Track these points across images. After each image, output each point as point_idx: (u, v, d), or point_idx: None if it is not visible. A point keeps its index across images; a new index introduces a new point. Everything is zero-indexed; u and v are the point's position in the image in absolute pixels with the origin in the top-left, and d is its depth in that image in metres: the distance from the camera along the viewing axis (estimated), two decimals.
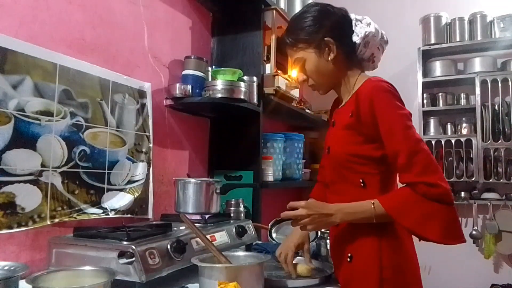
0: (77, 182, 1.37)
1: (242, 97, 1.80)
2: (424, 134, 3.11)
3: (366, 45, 1.17)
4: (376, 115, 1.06)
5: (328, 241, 1.70)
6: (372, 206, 1.03)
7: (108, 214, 1.47)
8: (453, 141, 3.02)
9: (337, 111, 1.24)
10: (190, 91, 1.79)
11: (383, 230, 1.08)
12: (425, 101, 3.14)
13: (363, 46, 1.17)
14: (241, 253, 1.27)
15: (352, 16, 1.18)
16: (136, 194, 1.61)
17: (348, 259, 1.13)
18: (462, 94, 3.12)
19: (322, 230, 1.80)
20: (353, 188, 1.12)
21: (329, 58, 1.16)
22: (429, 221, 0.98)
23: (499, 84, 2.90)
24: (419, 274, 1.15)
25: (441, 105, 3.15)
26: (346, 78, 1.20)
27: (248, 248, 1.62)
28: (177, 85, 1.77)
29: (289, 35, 1.21)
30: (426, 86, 3.15)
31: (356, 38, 1.15)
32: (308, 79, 1.22)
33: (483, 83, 2.93)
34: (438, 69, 3.14)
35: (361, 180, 1.11)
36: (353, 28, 1.16)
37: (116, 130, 1.55)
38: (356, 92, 1.12)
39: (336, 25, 1.16)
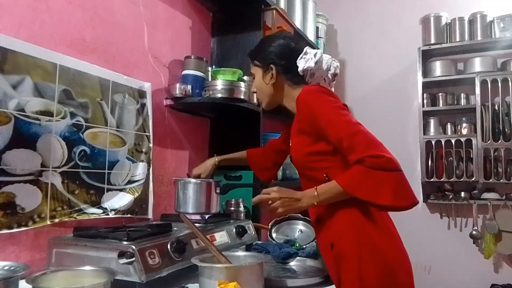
0: (77, 182, 1.37)
1: (242, 97, 1.80)
2: (424, 134, 3.11)
3: (311, 76, 1.34)
4: (315, 114, 1.19)
5: None
6: (315, 192, 1.15)
7: (108, 214, 1.48)
8: (453, 141, 3.02)
9: (292, 125, 1.37)
10: (190, 91, 1.79)
11: (359, 214, 1.17)
12: (425, 101, 3.13)
13: (309, 76, 1.34)
14: (241, 253, 1.27)
15: (305, 50, 1.33)
16: (136, 194, 1.61)
17: (331, 247, 1.21)
18: (462, 94, 3.12)
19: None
20: (321, 184, 1.18)
21: (268, 82, 1.35)
22: (380, 188, 1.07)
23: (499, 84, 2.90)
24: (400, 252, 1.21)
25: (441, 105, 3.15)
26: (291, 97, 1.33)
27: (248, 248, 1.62)
28: (177, 85, 1.77)
29: (252, 51, 1.43)
30: (426, 86, 3.15)
31: (299, 70, 1.32)
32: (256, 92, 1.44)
33: (483, 83, 2.93)
34: (438, 69, 3.14)
35: (325, 175, 1.20)
36: (297, 62, 1.32)
37: (116, 130, 1.55)
38: (295, 101, 1.26)
39: (285, 57, 1.33)
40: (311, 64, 1.31)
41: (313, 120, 1.20)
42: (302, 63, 1.31)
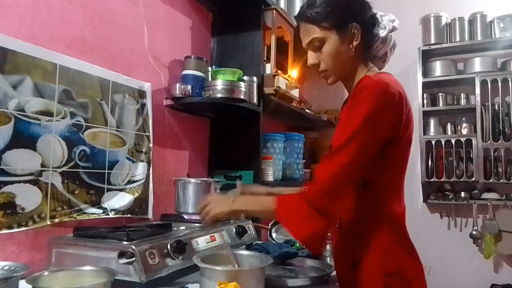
0: (77, 182, 1.37)
1: (242, 97, 1.80)
2: (424, 134, 3.11)
3: (383, 42, 1.11)
4: (354, 107, 0.99)
5: (328, 241, 1.70)
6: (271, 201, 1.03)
7: (108, 214, 1.47)
8: (453, 141, 3.02)
9: (344, 107, 1.17)
10: (190, 91, 1.79)
11: (389, 236, 1.04)
12: (425, 101, 3.14)
13: (380, 42, 1.11)
14: (244, 252, 1.26)
15: (378, 13, 1.13)
16: (136, 194, 1.61)
17: (351, 266, 1.07)
18: (462, 94, 3.12)
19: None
20: (354, 187, 1.06)
21: (352, 45, 1.07)
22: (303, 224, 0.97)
23: (499, 84, 2.90)
24: (423, 280, 1.09)
25: (441, 105, 3.15)
26: (357, 72, 1.11)
27: (248, 248, 1.62)
28: (177, 85, 1.77)
29: (313, 9, 1.08)
30: (426, 86, 3.15)
31: (381, 32, 1.09)
32: (319, 63, 1.11)
33: (483, 83, 2.93)
34: (438, 69, 3.14)
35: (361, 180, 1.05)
36: (379, 22, 1.09)
37: (116, 130, 1.55)
38: (356, 81, 1.06)
39: (365, 13, 1.09)
40: (396, 25, 1.08)
41: (346, 109, 1.01)
42: (390, 24, 1.09)
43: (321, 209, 0.96)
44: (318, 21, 1.07)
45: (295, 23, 2.34)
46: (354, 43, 1.07)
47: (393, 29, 1.11)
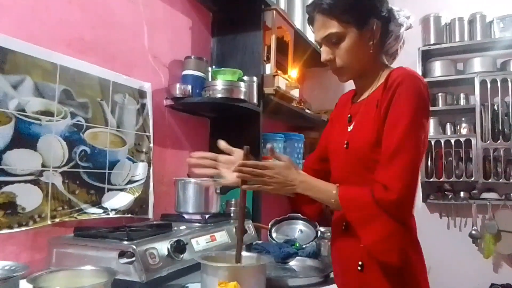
0: (78, 182, 1.37)
1: (242, 97, 1.80)
2: None
3: (396, 39, 1.07)
4: (397, 106, 0.95)
5: (328, 241, 1.70)
6: (334, 192, 0.99)
7: (108, 214, 1.48)
8: (452, 141, 3.03)
9: (357, 105, 1.12)
10: (190, 91, 1.79)
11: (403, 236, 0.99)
12: None
13: (393, 39, 1.07)
14: (244, 253, 1.26)
15: (393, 8, 1.08)
16: (136, 194, 1.61)
17: (359, 268, 1.01)
18: (461, 94, 3.13)
19: (322, 229, 1.81)
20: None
21: (372, 43, 1.03)
22: (369, 224, 0.93)
23: (499, 84, 2.90)
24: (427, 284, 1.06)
25: (440, 105, 3.16)
26: (372, 69, 1.09)
27: (248, 248, 1.62)
28: (177, 85, 1.77)
29: (332, 0, 1.01)
30: None
31: (397, 29, 1.05)
32: (334, 59, 1.06)
33: (483, 83, 2.94)
34: (438, 69, 3.14)
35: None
36: (395, 18, 1.05)
37: (116, 130, 1.55)
38: (385, 79, 1.01)
39: (384, 8, 1.04)
40: (412, 21, 1.04)
41: (389, 108, 0.96)
42: (408, 21, 1.04)
43: (400, 219, 0.93)
44: (337, 14, 1.01)
45: (295, 24, 2.37)
46: (374, 41, 1.03)
47: (410, 27, 1.06)
